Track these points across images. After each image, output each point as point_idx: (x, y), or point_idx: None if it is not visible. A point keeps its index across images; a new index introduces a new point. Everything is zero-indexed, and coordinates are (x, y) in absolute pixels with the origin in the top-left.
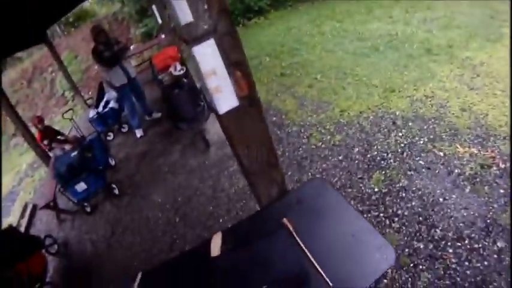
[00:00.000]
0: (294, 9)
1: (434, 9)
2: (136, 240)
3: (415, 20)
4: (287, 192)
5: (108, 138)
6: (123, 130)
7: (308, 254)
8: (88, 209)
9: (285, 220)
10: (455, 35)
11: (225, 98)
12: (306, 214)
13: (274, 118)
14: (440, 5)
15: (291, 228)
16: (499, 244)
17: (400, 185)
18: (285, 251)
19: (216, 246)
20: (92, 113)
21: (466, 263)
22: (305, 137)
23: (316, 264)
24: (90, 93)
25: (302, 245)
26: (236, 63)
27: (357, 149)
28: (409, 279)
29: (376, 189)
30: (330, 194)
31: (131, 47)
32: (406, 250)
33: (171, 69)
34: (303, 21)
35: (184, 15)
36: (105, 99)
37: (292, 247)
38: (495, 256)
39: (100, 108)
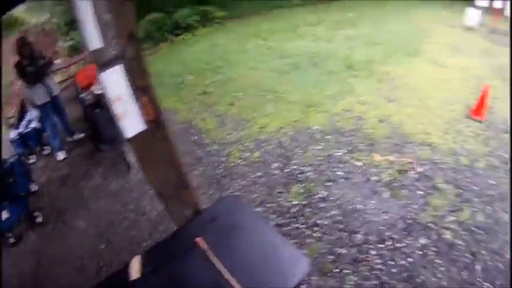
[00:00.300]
0: (222, 26)
1: (359, 26)
2: (64, 271)
3: (338, 37)
4: (201, 211)
5: (30, 161)
6: (45, 152)
7: (223, 271)
8: (12, 240)
9: (198, 239)
10: (376, 52)
11: (132, 123)
12: (221, 231)
13: (195, 137)
14: (367, 22)
15: (204, 247)
16: (421, 241)
17: (319, 196)
18: (201, 269)
19: (134, 270)
20: (13, 133)
21: (391, 262)
22: (224, 155)
23: (231, 281)
24: (13, 111)
25: (216, 263)
26: (143, 89)
27: (276, 164)
28: (335, 284)
29: (295, 202)
30: (244, 210)
31: (56, 62)
32: (330, 257)
33: (94, 87)
34: (229, 39)
35: (94, 41)
36: (27, 118)
37: (207, 265)
38: (419, 252)
39: (21, 128)
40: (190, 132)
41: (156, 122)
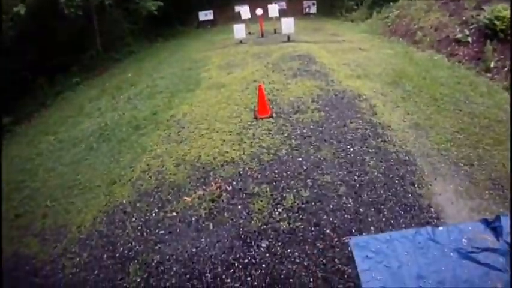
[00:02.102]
0: (13, 133)
1: (137, 84)
2: None
3: (121, 102)
4: None
5: None
6: None
7: None
8: None
9: None
10: (158, 101)
11: None
12: None
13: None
14: (143, 77)
15: None
16: (263, 245)
17: (156, 261)
18: None
19: None
20: None
21: (249, 278)
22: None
23: None
24: None
25: None
26: None
27: (105, 255)
28: None
29: (138, 279)
30: None
31: None
32: None
33: None
34: (23, 146)
35: None
36: None
37: None
38: (268, 255)
39: None
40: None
41: None
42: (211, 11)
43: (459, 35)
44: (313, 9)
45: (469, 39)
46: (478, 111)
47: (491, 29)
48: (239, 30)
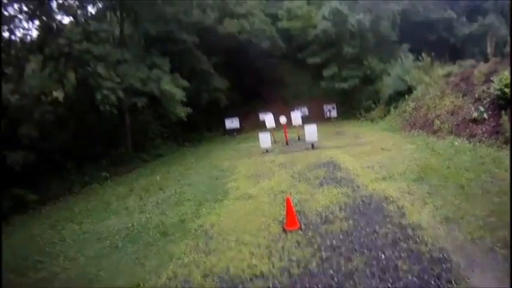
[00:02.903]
0: (37, 212)
1: (166, 188)
2: None
3: (149, 205)
4: None
5: None
6: None
7: None
8: None
9: None
10: (186, 209)
11: None
12: None
13: None
14: (171, 182)
15: None
16: None
17: None
18: None
19: None
20: None
21: None
22: None
23: None
24: None
25: None
26: None
27: None
28: None
29: None
30: None
31: None
32: None
33: None
34: (45, 227)
35: None
36: None
37: None
38: None
39: None
40: None
41: None
42: (237, 119)
43: (475, 114)
44: (334, 113)
45: (485, 115)
46: (506, 188)
47: (502, 98)
48: (265, 140)
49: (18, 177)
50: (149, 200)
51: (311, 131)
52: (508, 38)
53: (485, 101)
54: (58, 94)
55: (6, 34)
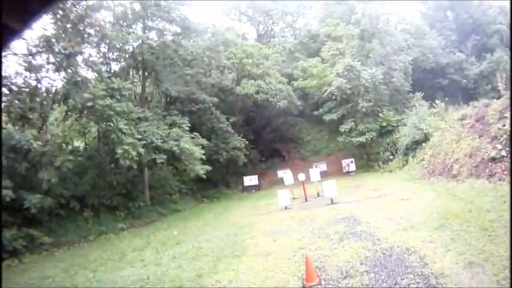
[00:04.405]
0: (50, 254)
1: (183, 243)
2: None
3: (165, 258)
4: None
5: None
6: None
7: None
8: None
9: None
10: (203, 264)
11: None
12: None
13: None
14: (188, 237)
15: None
16: None
17: None
18: None
19: None
20: None
21: None
22: None
23: None
24: None
25: None
26: None
27: None
28: None
29: None
30: None
31: None
32: None
33: None
34: (58, 270)
35: None
36: None
37: None
38: None
39: None
40: None
41: None
42: (255, 176)
43: (493, 153)
44: (353, 167)
45: (503, 152)
46: None
47: None
48: (283, 197)
49: (34, 220)
50: (166, 253)
51: (330, 187)
52: None
53: (502, 138)
54: (79, 144)
55: (33, 82)
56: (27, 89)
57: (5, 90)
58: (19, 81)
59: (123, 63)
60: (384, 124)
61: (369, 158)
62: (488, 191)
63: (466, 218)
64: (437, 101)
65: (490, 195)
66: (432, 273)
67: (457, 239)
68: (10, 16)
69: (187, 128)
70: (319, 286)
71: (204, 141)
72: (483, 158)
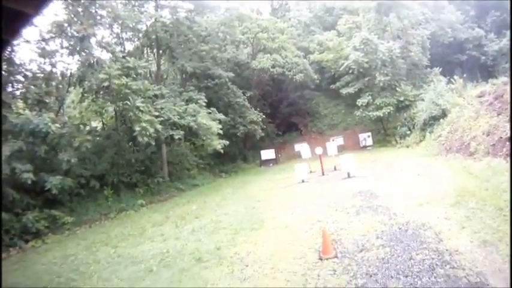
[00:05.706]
0: (72, 233)
1: (202, 217)
2: None
3: (184, 232)
4: None
5: None
6: None
7: None
8: None
9: None
10: (222, 237)
11: None
12: None
13: None
14: (207, 211)
15: None
16: None
17: None
18: None
19: None
20: None
21: None
22: None
23: None
24: None
25: None
26: None
27: None
28: None
29: None
30: None
31: None
32: None
33: None
34: (80, 248)
35: None
36: None
37: None
38: None
39: None
40: None
41: None
42: (273, 150)
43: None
44: (370, 141)
45: None
46: None
47: None
48: (301, 170)
49: (55, 201)
50: (185, 227)
51: (347, 161)
52: None
53: None
54: (97, 124)
55: (48, 67)
56: (42, 75)
57: (20, 77)
58: (34, 67)
59: (137, 42)
60: (401, 99)
61: (386, 132)
62: (505, 170)
63: (482, 197)
64: (455, 77)
65: (506, 175)
66: (447, 250)
67: (472, 217)
68: (23, 2)
69: (204, 104)
70: (336, 259)
71: (221, 116)
72: (501, 137)
